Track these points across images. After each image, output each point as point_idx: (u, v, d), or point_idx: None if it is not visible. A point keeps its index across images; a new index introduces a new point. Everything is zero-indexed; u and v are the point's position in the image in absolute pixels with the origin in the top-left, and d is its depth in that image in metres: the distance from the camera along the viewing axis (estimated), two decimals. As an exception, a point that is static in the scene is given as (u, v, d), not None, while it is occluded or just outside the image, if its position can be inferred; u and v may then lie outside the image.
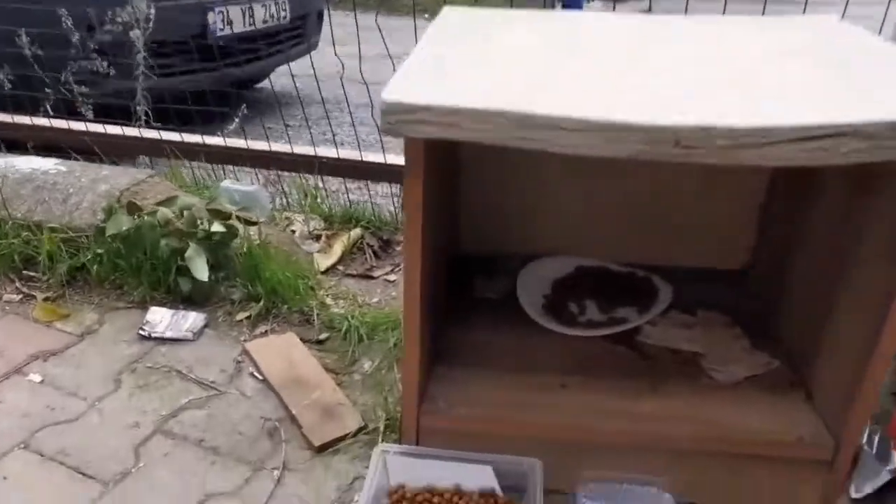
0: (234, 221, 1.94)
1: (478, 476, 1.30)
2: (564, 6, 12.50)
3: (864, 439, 1.36)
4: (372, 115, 2.19)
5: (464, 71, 1.18)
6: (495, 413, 1.31)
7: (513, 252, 1.76)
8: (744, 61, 1.25)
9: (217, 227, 1.91)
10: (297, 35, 4.50)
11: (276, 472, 1.40)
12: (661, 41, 1.39)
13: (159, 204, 1.93)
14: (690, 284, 1.63)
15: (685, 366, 1.43)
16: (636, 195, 1.69)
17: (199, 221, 1.92)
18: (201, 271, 1.81)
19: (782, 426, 1.27)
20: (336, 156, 2.30)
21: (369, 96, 2.09)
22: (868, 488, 1.31)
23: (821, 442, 1.24)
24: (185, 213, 1.91)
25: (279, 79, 3.92)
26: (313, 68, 2.29)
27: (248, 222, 1.94)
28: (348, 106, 2.34)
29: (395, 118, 1.02)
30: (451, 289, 1.67)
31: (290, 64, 3.34)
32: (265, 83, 4.07)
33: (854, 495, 1.32)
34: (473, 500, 1.29)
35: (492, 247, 1.79)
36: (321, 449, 1.44)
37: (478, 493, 1.30)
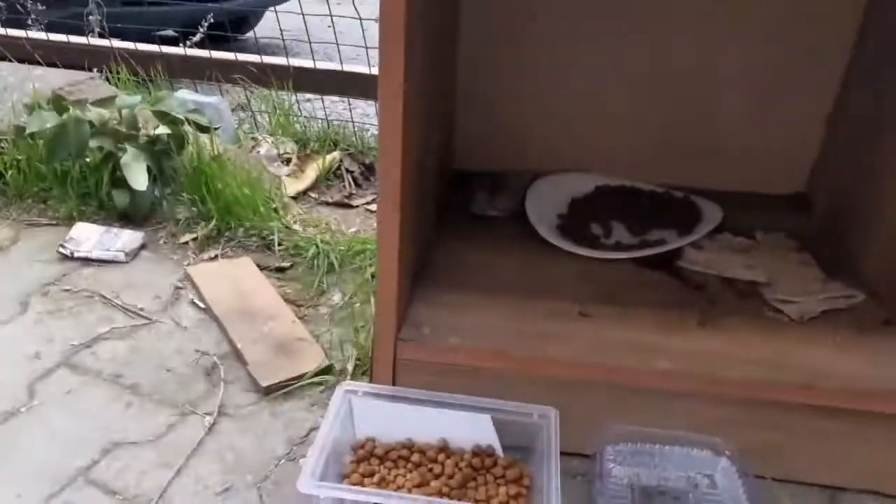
0: (184, 128, 1.60)
1: (471, 428, 0.98)
2: None
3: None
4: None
5: None
6: (496, 344, 0.99)
7: (519, 170, 1.44)
8: None
9: (163, 129, 1.57)
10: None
11: (208, 419, 1.07)
12: None
13: (94, 104, 1.59)
14: (739, 211, 1.31)
15: (743, 297, 1.11)
16: (668, 103, 1.37)
17: (142, 126, 1.58)
18: (139, 179, 1.48)
19: (879, 372, 0.95)
20: (312, 65, 1.96)
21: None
22: None
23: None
24: (125, 112, 1.57)
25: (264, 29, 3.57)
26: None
27: (201, 128, 1.60)
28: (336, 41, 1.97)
29: None
30: (447, 209, 1.34)
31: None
32: (250, 35, 3.71)
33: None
34: (465, 459, 0.97)
35: (494, 164, 1.47)
36: (270, 391, 1.12)
37: (470, 451, 0.98)
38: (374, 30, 0.86)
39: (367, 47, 1.86)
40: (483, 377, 0.99)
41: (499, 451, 0.98)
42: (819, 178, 1.39)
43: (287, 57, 2.03)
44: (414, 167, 0.95)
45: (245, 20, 3.61)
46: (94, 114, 1.55)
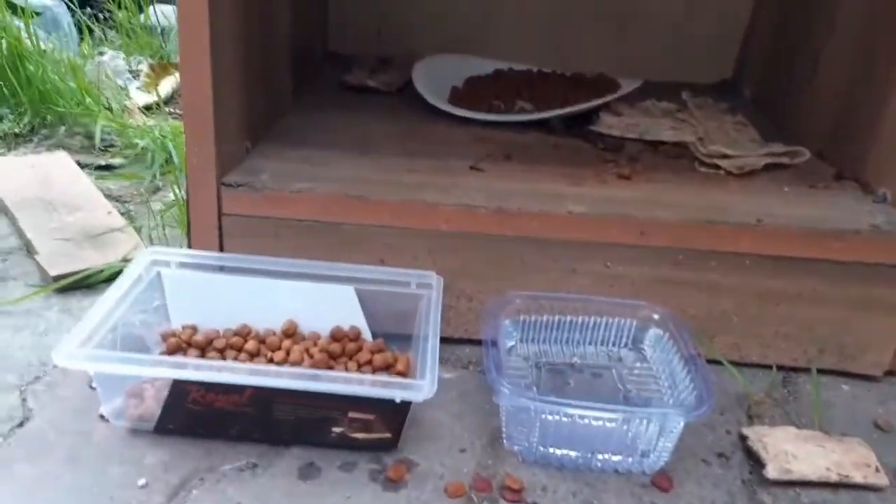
0: (-4, 11, 1.30)
1: (328, 304, 0.73)
2: None
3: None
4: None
5: None
6: (358, 191, 0.74)
7: (403, 55, 1.20)
8: None
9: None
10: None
11: (-33, 315, 0.78)
12: None
13: None
14: (662, 97, 1.11)
15: (669, 158, 0.91)
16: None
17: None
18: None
19: (840, 215, 0.76)
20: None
21: None
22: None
23: (907, 232, 0.73)
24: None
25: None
26: None
27: (13, 7, 1.29)
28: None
29: None
30: (313, 83, 1.09)
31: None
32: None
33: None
34: (318, 345, 0.71)
35: (375, 48, 1.23)
36: (60, 279, 0.83)
37: (328, 334, 0.72)
38: None
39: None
40: (341, 236, 0.74)
41: (366, 332, 0.73)
42: (746, 59, 1.22)
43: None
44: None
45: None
46: None
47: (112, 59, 1.56)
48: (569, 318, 0.73)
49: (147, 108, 1.44)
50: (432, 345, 0.62)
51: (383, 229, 0.74)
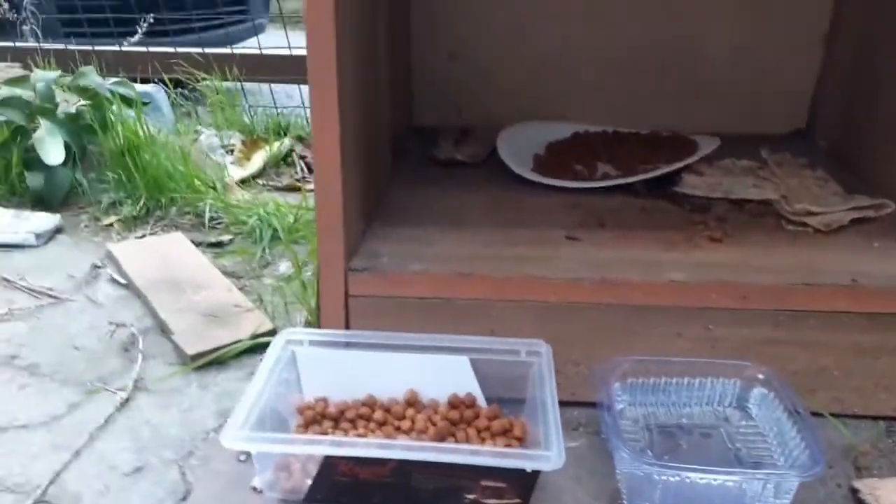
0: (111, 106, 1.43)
1: (445, 374, 0.79)
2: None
3: None
4: None
5: None
6: (468, 269, 0.80)
7: (483, 124, 1.28)
8: None
9: (83, 104, 1.39)
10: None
11: (120, 395, 0.87)
12: None
13: (6, 83, 1.41)
14: (737, 150, 1.15)
15: (757, 217, 0.95)
16: (648, 42, 1.24)
17: (58, 99, 1.40)
18: (53, 154, 1.29)
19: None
20: (258, 50, 1.81)
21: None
22: None
23: None
24: (39, 86, 1.39)
25: None
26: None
27: (127, 101, 1.42)
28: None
29: None
30: (405, 156, 1.18)
31: None
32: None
33: None
34: (439, 412, 0.77)
35: (457, 119, 1.31)
36: (197, 359, 0.92)
37: (446, 402, 0.78)
38: None
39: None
40: (454, 310, 0.80)
41: (480, 399, 0.79)
42: (820, 109, 1.25)
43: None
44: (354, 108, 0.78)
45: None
46: (4, 90, 1.37)
47: (207, 137, 1.68)
48: (674, 379, 0.77)
49: (242, 182, 1.56)
50: (554, 416, 0.67)
51: (492, 303, 0.80)
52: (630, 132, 1.23)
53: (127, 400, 0.86)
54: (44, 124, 1.33)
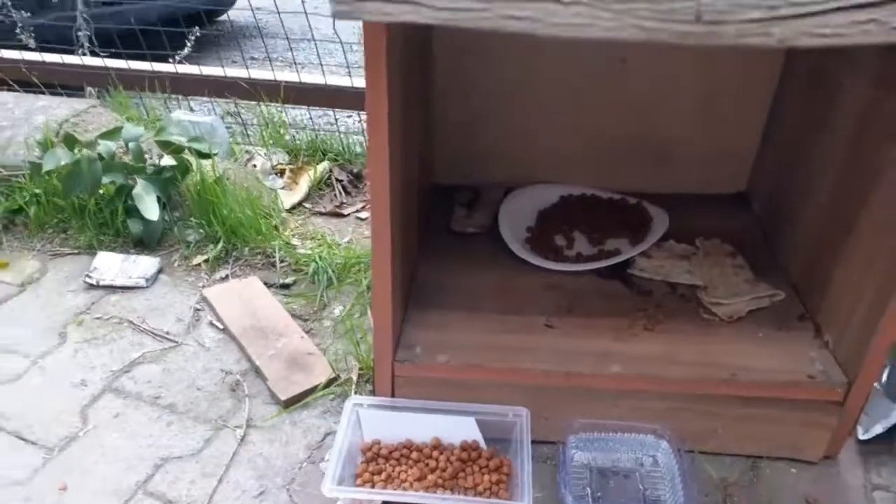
0: (186, 154, 1.76)
1: (459, 428, 1.19)
2: None
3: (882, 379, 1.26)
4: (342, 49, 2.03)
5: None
6: (476, 359, 1.19)
7: (493, 182, 1.62)
8: None
9: (167, 160, 1.73)
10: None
11: (238, 431, 1.28)
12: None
13: (102, 136, 1.74)
14: (687, 211, 1.50)
15: (683, 301, 1.31)
16: (624, 116, 1.54)
17: (147, 155, 1.74)
18: (151, 210, 1.65)
19: (791, 365, 1.16)
20: (298, 80, 2.11)
21: (334, 28, 1.90)
22: (878, 428, 1.21)
23: (833, 381, 1.13)
24: (131, 145, 1.72)
25: (241, 14, 3.66)
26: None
27: (202, 154, 1.76)
28: (311, 32, 2.12)
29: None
30: (428, 223, 1.53)
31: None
32: (224, 17, 3.79)
33: (862, 437, 1.23)
34: (455, 454, 1.18)
35: (470, 177, 1.64)
36: (289, 403, 1.32)
37: (459, 447, 1.19)
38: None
39: (340, 41, 2.01)
40: (467, 386, 1.19)
41: (483, 445, 1.19)
42: (756, 179, 1.57)
43: (263, 39, 2.17)
44: (400, 198, 1.11)
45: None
46: (103, 148, 1.71)
47: (260, 162, 2.02)
48: (610, 434, 1.17)
49: (291, 209, 1.91)
50: (527, 472, 1.07)
51: (494, 382, 1.19)
52: (604, 197, 1.57)
53: (244, 437, 1.27)
54: (139, 182, 1.67)
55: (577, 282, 1.36)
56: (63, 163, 1.67)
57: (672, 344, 1.21)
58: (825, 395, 1.13)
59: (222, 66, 2.18)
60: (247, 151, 2.10)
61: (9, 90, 2.14)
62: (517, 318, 1.27)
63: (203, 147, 1.76)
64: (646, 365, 1.17)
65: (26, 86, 2.21)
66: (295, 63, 2.22)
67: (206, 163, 1.77)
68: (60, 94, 2.18)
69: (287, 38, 2.28)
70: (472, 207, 1.57)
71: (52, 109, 1.96)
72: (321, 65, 2.14)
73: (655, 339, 1.22)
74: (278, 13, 2.16)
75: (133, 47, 2.29)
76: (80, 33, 2.47)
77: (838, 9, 0.72)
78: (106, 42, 2.41)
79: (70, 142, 1.70)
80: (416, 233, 1.40)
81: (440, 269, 1.39)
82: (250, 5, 2.24)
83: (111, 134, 1.76)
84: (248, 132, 2.23)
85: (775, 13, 0.73)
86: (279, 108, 2.17)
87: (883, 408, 1.22)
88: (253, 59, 3.03)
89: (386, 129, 0.97)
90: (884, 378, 1.26)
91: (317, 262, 1.64)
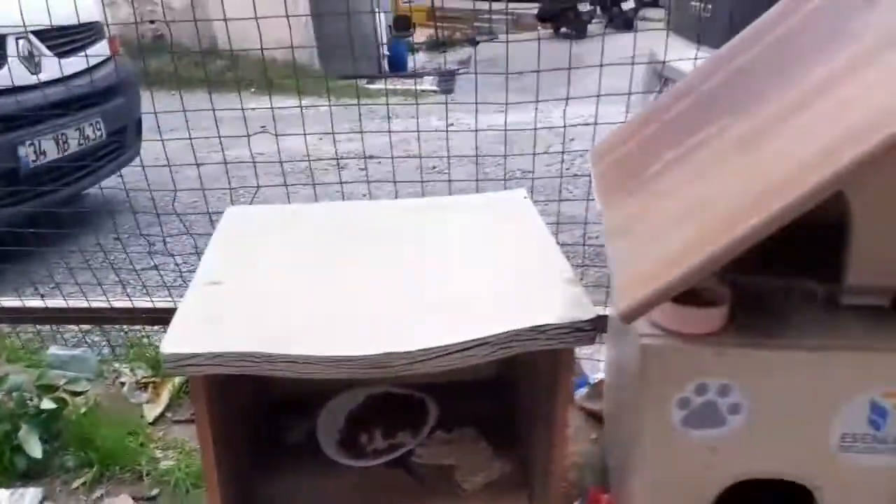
0: (62, 394, 2.16)
1: None
2: (390, 62, 13.03)
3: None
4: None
5: (230, 311, 1.51)
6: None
7: (317, 390, 2.12)
8: (429, 275, 1.65)
9: (47, 403, 2.13)
10: (116, 149, 4.66)
11: None
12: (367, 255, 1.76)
13: (-10, 384, 2.11)
14: (452, 399, 2.05)
15: (446, 481, 1.84)
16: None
17: (28, 400, 2.13)
18: (35, 449, 2.03)
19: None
20: (152, 306, 2.56)
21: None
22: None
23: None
24: (14, 394, 2.11)
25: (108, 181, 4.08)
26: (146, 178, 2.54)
27: (75, 394, 2.17)
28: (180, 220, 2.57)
29: (174, 364, 1.36)
30: (265, 436, 1.99)
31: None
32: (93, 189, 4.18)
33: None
34: None
35: (299, 388, 2.13)
36: None
37: None
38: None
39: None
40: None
41: None
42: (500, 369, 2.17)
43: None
44: (224, 434, 1.59)
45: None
46: (-12, 399, 2.08)
47: (128, 384, 2.44)
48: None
49: (155, 420, 2.33)
50: None
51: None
52: (396, 393, 2.11)
53: None
54: (24, 426, 2.06)
55: (374, 474, 1.86)
56: (-49, 417, 2.03)
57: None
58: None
59: (85, 296, 2.61)
60: (114, 370, 2.51)
61: None
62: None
63: (78, 387, 2.17)
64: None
65: None
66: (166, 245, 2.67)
67: (78, 399, 2.18)
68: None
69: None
70: (299, 417, 2.06)
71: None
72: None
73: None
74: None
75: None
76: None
77: (444, 354, 1.31)
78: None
79: (-43, 396, 2.07)
80: (246, 456, 1.86)
81: (272, 482, 1.85)
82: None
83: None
84: (116, 352, 2.64)
85: (415, 360, 1.31)
86: (141, 331, 2.61)
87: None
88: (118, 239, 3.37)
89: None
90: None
91: (176, 474, 2.06)
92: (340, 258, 1.74)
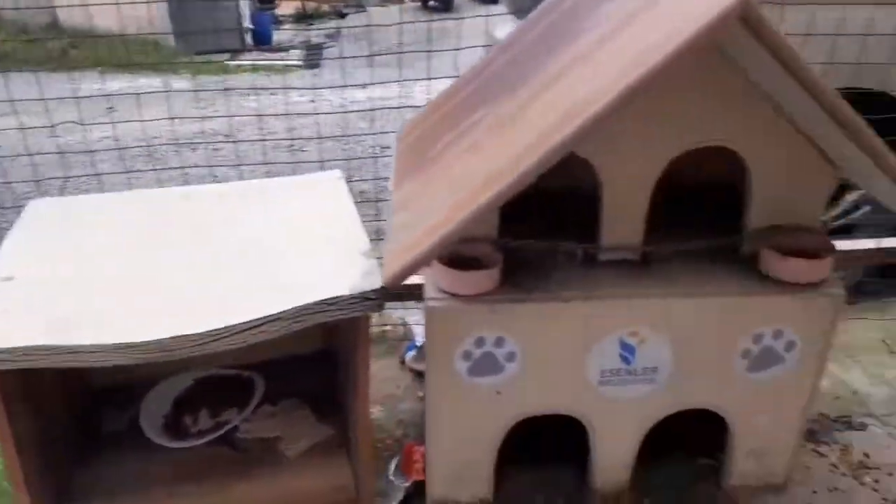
0: None
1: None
2: (254, 36, 12.60)
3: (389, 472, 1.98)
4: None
5: (19, 306, 1.51)
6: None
7: (141, 378, 2.14)
8: (235, 258, 1.71)
9: None
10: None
11: None
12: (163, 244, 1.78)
13: None
14: (282, 374, 2.14)
15: (269, 451, 1.93)
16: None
17: None
18: None
19: (329, 481, 1.83)
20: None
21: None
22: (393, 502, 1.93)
23: (349, 485, 1.81)
24: None
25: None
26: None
27: None
28: None
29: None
30: (83, 426, 2.01)
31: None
32: None
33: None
34: None
35: (119, 377, 2.15)
36: None
37: None
38: None
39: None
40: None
41: None
42: (328, 341, 2.28)
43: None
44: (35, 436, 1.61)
45: None
46: None
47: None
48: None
49: None
50: None
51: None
52: (224, 374, 2.17)
53: None
54: None
55: (199, 453, 1.92)
56: None
57: (259, 486, 1.82)
58: (347, 497, 1.81)
59: None
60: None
61: None
62: (147, 497, 1.80)
63: None
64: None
65: None
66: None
67: None
68: None
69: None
70: (120, 406, 2.08)
71: None
72: None
73: (248, 484, 1.82)
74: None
75: None
76: None
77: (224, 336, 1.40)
78: None
79: None
80: (63, 443, 1.87)
81: (93, 472, 1.85)
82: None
83: None
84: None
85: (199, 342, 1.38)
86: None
87: (394, 489, 1.94)
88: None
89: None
90: (391, 470, 1.99)
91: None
92: (144, 246, 1.77)
